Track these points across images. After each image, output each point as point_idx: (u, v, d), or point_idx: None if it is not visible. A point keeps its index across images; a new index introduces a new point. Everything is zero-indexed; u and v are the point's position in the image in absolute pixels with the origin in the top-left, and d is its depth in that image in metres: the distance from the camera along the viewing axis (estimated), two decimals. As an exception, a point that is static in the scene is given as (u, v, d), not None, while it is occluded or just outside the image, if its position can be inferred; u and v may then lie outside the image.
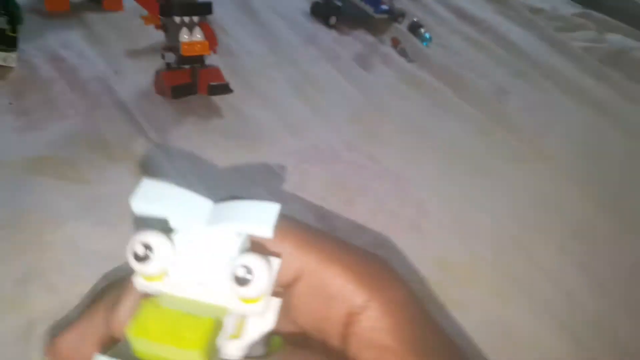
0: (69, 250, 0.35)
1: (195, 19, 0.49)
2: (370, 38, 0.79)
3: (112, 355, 0.15)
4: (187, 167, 0.45)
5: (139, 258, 0.15)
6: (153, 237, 0.16)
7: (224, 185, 0.45)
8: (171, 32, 0.50)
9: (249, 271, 0.15)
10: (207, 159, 0.47)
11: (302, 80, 0.63)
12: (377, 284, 0.18)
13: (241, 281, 0.15)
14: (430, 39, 0.84)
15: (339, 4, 0.80)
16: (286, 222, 0.17)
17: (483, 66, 0.81)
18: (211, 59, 0.54)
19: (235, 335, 0.17)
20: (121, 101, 0.49)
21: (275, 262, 0.17)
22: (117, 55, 0.56)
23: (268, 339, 0.17)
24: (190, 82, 0.52)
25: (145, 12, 0.63)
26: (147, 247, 0.15)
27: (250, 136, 0.51)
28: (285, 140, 0.52)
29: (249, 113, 0.55)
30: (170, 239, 0.16)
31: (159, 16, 0.51)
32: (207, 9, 0.50)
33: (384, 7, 0.81)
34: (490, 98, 0.68)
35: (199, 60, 0.52)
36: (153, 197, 0.16)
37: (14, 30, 0.49)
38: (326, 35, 0.76)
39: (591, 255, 0.45)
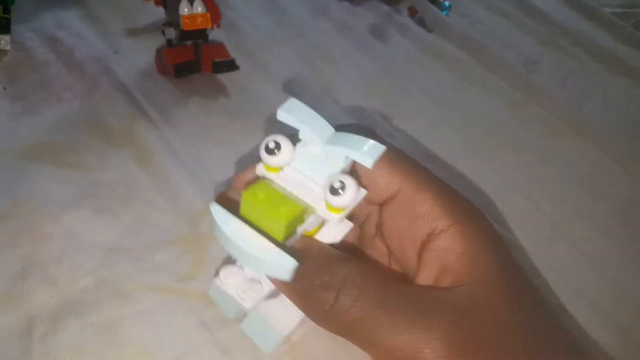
0: (69, 242, 0.34)
1: (196, -9, 0.47)
2: (385, 8, 0.76)
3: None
4: (193, 150, 0.43)
5: (269, 150, 0.22)
6: (283, 139, 0.22)
7: (231, 167, 0.44)
8: (171, 5, 0.48)
9: (343, 187, 0.20)
10: (214, 141, 0.46)
11: (312, 54, 0.61)
12: (460, 213, 0.21)
13: (334, 191, 0.20)
14: (449, 7, 0.81)
15: (351, -27, 0.77)
16: (392, 152, 0.21)
17: (508, 35, 0.78)
18: (215, 35, 0.52)
19: (310, 234, 0.23)
20: (121, 82, 0.48)
21: (363, 192, 0.22)
22: (116, 35, 0.54)
23: None
24: (193, 60, 0.50)
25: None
26: (277, 144, 0.22)
27: (260, 116, 0.50)
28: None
29: (258, 91, 0.53)
30: (294, 145, 0.23)
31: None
32: (207, -20, 0.48)
33: (400, -26, 0.78)
34: (518, 68, 0.65)
35: (201, 35, 0.50)
36: (294, 111, 0.22)
37: (6, 12, 0.48)
38: (337, 6, 0.73)
39: (638, 241, 0.43)
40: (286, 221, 0.20)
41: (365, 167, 0.20)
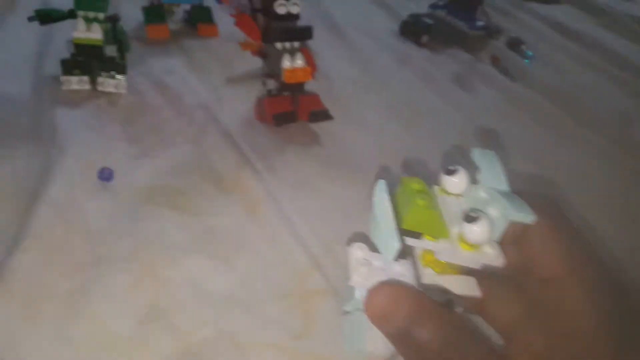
0: (188, 288, 0.36)
1: (296, 44, 0.51)
2: (466, 56, 0.78)
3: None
4: (294, 200, 0.46)
5: (448, 171, 0.24)
6: (462, 169, 0.24)
7: (332, 220, 0.45)
8: (272, 58, 0.52)
9: (478, 217, 0.21)
10: (313, 190, 0.48)
11: (398, 104, 0.63)
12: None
13: (469, 218, 0.22)
14: (532, 56, 0.82)
15: (430, 21, 0.79)
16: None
17: (595, 86, 0.77)
18: (307, 84, 0.55)
19: (430, 255, 0.24)
20: (226, 129, 0.51)
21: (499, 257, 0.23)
22: (217, 82, 0.58)
23: None
24: (291, 110, 0.53)
25: (241, 37, 0.66)
26: (456, 169, 0.24)
27: (352, 165, 0.52)
28: (390, 171, 0.52)
29: (348, 140, 0.55)
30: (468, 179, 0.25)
31: (259, 42, 0.52)
32: (308, 34, 0.51)
33: (480, 23, 0.80)
34: (610, 121, 0.65)
35: (299, 86, 0.53)
36: (485, 157, 0.26)
37: (122, 58, 0.53)
38: (418, 54, 0.76)
39: None
40: (416, 211, 0.22)
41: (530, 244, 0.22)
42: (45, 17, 0.50)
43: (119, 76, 0.52)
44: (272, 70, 0.53)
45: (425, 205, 0.23)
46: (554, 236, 0.22)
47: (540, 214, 0.22)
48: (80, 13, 0.48)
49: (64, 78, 0.51)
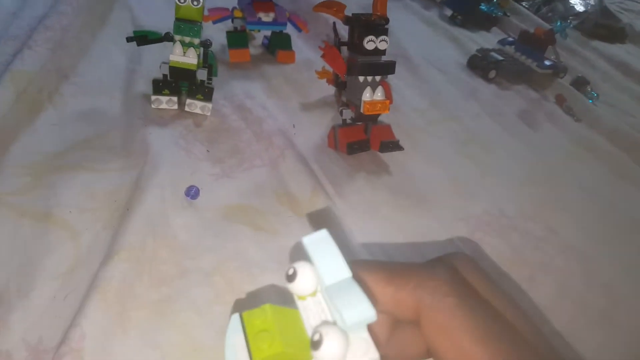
0: (265, 301, 0.37)
1: (378, 78, 0.51)
2: (532, 94, 0.76)
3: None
4: (363, 227, 0.45)
5: (288, 277, 0.20)
6: (304, 266, 0.20)
7: (400, 249, 0.45)
8: (352, 89, 0.52)
9: (320, 340, 0.18)
10: (381, 218, 0.47)
11: (466, 137, 0.62)
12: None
13: (313, 344, 0.18)
14: (597, 96, 0.79)
15: (499, 57, 0.78)
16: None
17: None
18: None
19: None
20: (300, 154, 0.51)
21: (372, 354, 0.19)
22: (293, 108, 0.59)
23: None
24: (365, 139, 0.53)
25: (316, 65, 0.67)
26: (294, 272, 0.20)
27: (419, 196, 0.51)
28: (455, 203, 0.51)
29: (416, 170, 0.54)
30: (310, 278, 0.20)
31: (339, 73, 0.53)
32: (391, 69, 0.51)
33: (548, 62, 0.78)
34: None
35: (374, 117, 0.53)
36: (316, 245, 0.20)
37: (210, 81, 0.54)
38: (486, 89, 0.74)
39: None
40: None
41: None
42: (143, 38, 0.52)
43: (206, 99, 0.53)
44: (350, 101, 0.53)
45: (270, 348, 0.19)
46: (459, 313, 0.18)
47: (443, 287, 0.19)
48: (178, 37, 0.50)
49: (154, 97, 0.52)
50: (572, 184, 0.58)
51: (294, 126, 0.55)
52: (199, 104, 0.53)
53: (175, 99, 0.53)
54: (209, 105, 0.53)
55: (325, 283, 0.20)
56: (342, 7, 0.51)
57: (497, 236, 0.48)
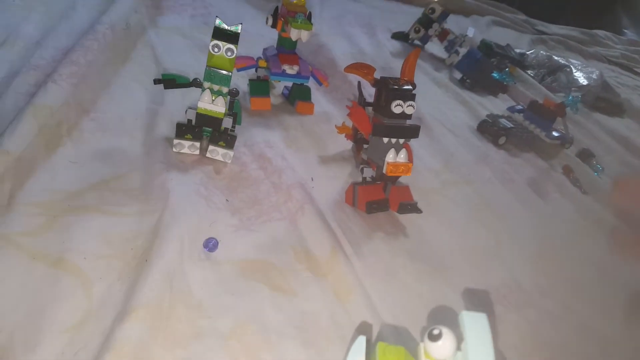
0: (282, 374, 0.34)
1: (401, 140, 0.50)
2: (541, 162, 0.76)
3: None
4: (382, 292, 0.43)
5: (431, 336, 0.23)
6: (448, 332, 0.23)
7: (417, 318, 0.43)
8: (375, 149, 0.51)
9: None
10: (399, 283, 0.45)
11: (479, 202, 0.61)
12: None
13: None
14: (602, 169, 0.79)
15: (509, 124, 0.78)
16: None
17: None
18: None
19: None
20: (319, 210, 0.50)
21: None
22: (311, 161, 0.58)
23: None
24: (384, 199, 0.52)
25: (334, 119, 0.67)
26: (439, 335, 0.23)
27: (436, 262, 0.49)
28: (472, 273, 0.50)
29: (433, 235, 0.53)
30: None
31: (364, 133, 0.52)
32: (415, 133, 0.50)
33: (556, 133, 0.79)
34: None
35: (394, 178, 0.52)
36: (474, 322, 0.24)
37: (233, 130, 0.53)
38: (496, 155, 0.74)
39: None
40: None
41: None
42: (170, 82, 0.51)
43: (228, 147, 0.52)
44: (372, 159, 0.52)
45: None
46: None
47: None
48: (207, 84, 0.49)
49: (176, 141, 0.51)
50: (584, 260, 0.57)
51: (312, 179, 0.54)
52: (221, 151, 0.52)
53: (197, 144, 0.51)
54: (231, 153, 0.52)
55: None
56: (372, 70, 0.51)
57: (516, 312, 0.46)
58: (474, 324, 0.23)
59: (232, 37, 0.47)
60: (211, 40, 0.47)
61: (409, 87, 0.50)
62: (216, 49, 0.48)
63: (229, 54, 0.48)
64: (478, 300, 0.46)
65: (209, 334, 0.35)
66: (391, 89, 0.49)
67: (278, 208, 0.49)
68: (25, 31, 0.63)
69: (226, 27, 0.48)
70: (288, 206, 0.49)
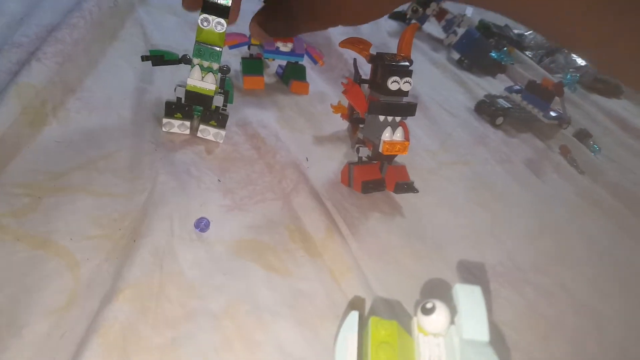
0: (275, 353, 0.34)
1: (398, 118, 0.49)
2: (538, 143, 0.75)
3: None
4: (378, 271, 0.42)
5: (425, 310, 0.22)
6: (442, 305, 0.23)
7: (412, 297, 0.42)
8: (371, 127, 0.50)
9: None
10: (395, 263, 0.44)
11: (476, 182, 0.60)
12: None
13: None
14: (599, 150, 0.78)
15: (507, 104, 0.77)
16: None
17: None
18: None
19: None
20: (314, 190, 0.49)
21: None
22: (306, 141, 0.57)
23: None
24: (380, 179, 0.51)
25: (330, 98, 0.65)
26: (432, 309, 0.22)
27: (432, 242, 0.48)
28: (468, 252, 0.49)
29: (430, 215, 0.52)
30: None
31: (360, 111, 0.51)
32: (412, 111, 0.49)
33: (554, 113, 0.78)
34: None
35: (391, 157, 0.51)
36: (467, 295, 0.23)
37: (225, 108, 0.52)
38: (494, 135, 0.73)
39: None
40: None
41: None
42: (159, 59, 0.49)
43: (219, 126, 0.50)
44: (368, 139, 0.51)
45: None
46: None
47: None
48: (196, 61, 0.48)
49: (165, 120, 0.49)
50: (580, 239, 0.56)
51: (307, 159, 0.53)
52: (212, 130, 0.50)
53: (187, 123, 0.50)
54: (222, 132, 0.51)
55: (463, 335, 0.21)
56: (368, 45, 0.49)
57: (511, 289, 0.46)
58: (468, 296, 0.23)
59: (222, 11, 0.45)
60: (200, 14, 0.45)
61: (406, 63, 0.48)
62: (205, 23, 0.46)
63: (219, 27, 0.46)
64: (474, 277, 0.46)
65: (200, 314, 0.34)
66: (387, 64, 0.47)
67: (272, 188, 0.48)
68: (8, 7, 0.61)
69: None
70: (282, 186, 0.48)
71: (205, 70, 0.48)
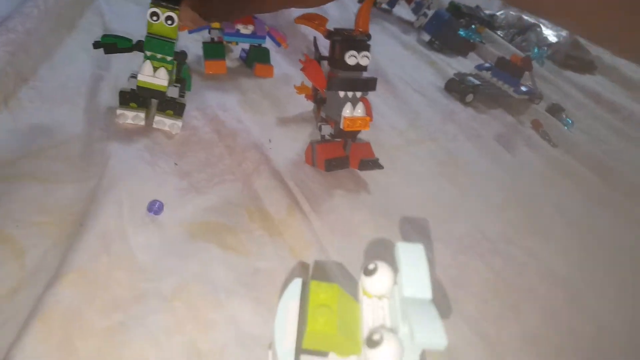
0: (231, 332, 0.33)
1: (358, 94, 0.48)
2: (509, 118, 0.75)
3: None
4: (341, 247, 0.42)
5: (367, 271, 0.22)
6: (384, 266, 0.22)
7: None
8: (332, 104, 0.49)
9: (378, 342, 0.19)
10: (358, 238, 0.44)
11: (445, 158, 0.60)
12: None
13: (371, 343, 0.19)
14: (572, 123, 0.78)
15: (476, 81, 0.77)
16: None
17: (629, 155, 0.73)
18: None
19: None
20: (276, 170, 0.48)
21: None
22: (269, 123, 0.56)
23: None
24: (344, 156, 0.50)
25: (294, 80, 0.64)
26: (374, 270, 0.22)
27: (398, 216, 0.48)
28: (436, 225, 0.48)
29: (396, 190, 0.51)
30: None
31: (319, 87, 0.50)
32: (372, 85, 0.48)
33: (525, 88, 0.77)
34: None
35: (353, 134, 0.50)
36: (409, 252, 0.22)
37: (182, 96, 0.50)
38: (463, 112, 0.73)
39: None
40: (313, 333, 0.20)
41: None
42: (111, 47, 0.47)
43: (176, 116, 0.49)
44: (329, 116, 0.50)
45: (325, 325, 0.20)
46: None
47: None
48: (148, 53, 0.46)
49: (119, 111, 0.47)
50: (550, 209, 0.56)
51: (269, 141, 0.52)
52: (168, 121, 0.48)
53: (142, 114, 0.48)
54: (179, 123, 0.49)
55: (403, 293, 0.20)
56: (324, 20, 0.48)
57: (480, 260, 0.45)
58: (409, 254, 0.22)
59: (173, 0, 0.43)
60: (150, 7, 0.43)
61: (364, 37, 0.47)
62: (154, 18, 0.43)
63: (169, 22, 0.44)
64: (442, 250, 0.45)
65: (150, 296, 0.33)
66: (344, 39, 0.46)
67: (232, 170, 0.47)
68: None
69: None
70: (243, 168, 0.47)
71: (159, 61, 0.46)
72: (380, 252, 0.43)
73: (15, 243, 0.34)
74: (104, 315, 0.31)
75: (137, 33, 0.65)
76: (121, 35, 0.48)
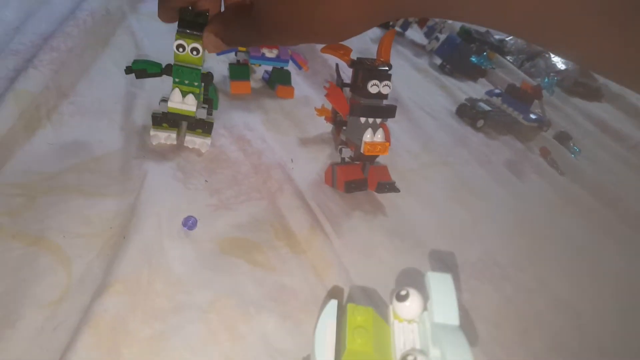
0: (260, 345, 0.35)
1: (378, 120, 0.51)
2: (518, 144, 0.78)
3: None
4: (361, 267, 0.44)
5: (399, 297, 0.24)
6: (415, 293, 0.24)
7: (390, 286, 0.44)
8: (353, 129, 0.52)
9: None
10: (377, 259, 0.46)
11: (457, 182, 0.62)
12: None
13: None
14: (579, 151, 0.81)
15: (487, 107, 0.79)
16: None
17: (637, 186, 0.76)
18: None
19: None
20: (298, 190, 0.50)
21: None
22: (291, 143, 0.58)
23: None
24: (362, 179, 0.53)
25: (314, 102, 0.67)
26: (405, 296, 0.24)
27: (413, 239, 0.50)
28: (448, 249, 0.51)
29: (411, 213, 0.54)
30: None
31: (342, 113, 0.52)
32: (392, 113, 0.51)
33: (534, 115, 0.80)
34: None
35: (372, 157, 0.53)
36: (438, 283, 0.24)
37: (210, 114, 0.53)
38: (474, 137, 0.75)
39: None
40: (351, 355, 0.22)
41: None
42: (141, 72, 0.49)
43: (204, 135, 0.51)
44: (350, 140, 0.53)
45: (363, 345, 0.22)
46: None
47: None
48: (176, 79, 0.47)
49: (153, 132, 0.50)
50: (559, 238, 0.58)
51: (292, 160, 0.55)
52: (198, 140, 0.51)
53: (174, 135, 0.50)
54: (207, 141, 0.51)
55: (434, 319, 0.22)
56: (349, 50, 0.51)
57: (490, 285, 0.48)
58: (439, 283, 0.24)
59: (198, 27, 0.44)
60: (176, 38, 0.45)
61: (385, 67, 0.50)
62: (181, 49, 0.46)
63: (194, 53, 0.46)
64: (454, 274, 0.47)
65: (187, 308, 0.36)
66: (367, 69, 0.49)
67: (257, 188, 0.49)
68: (5, 16, 0.63)
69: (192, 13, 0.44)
70: (267, 186, 0.50)
71: (187, 87, 0.48)
72: (400, 274, 0.45)
73: (62, 253, 0.37)
74: (146, 324, 0.34)
75: (167, 49, 0.68)
76: (151, 59, 0.49)
